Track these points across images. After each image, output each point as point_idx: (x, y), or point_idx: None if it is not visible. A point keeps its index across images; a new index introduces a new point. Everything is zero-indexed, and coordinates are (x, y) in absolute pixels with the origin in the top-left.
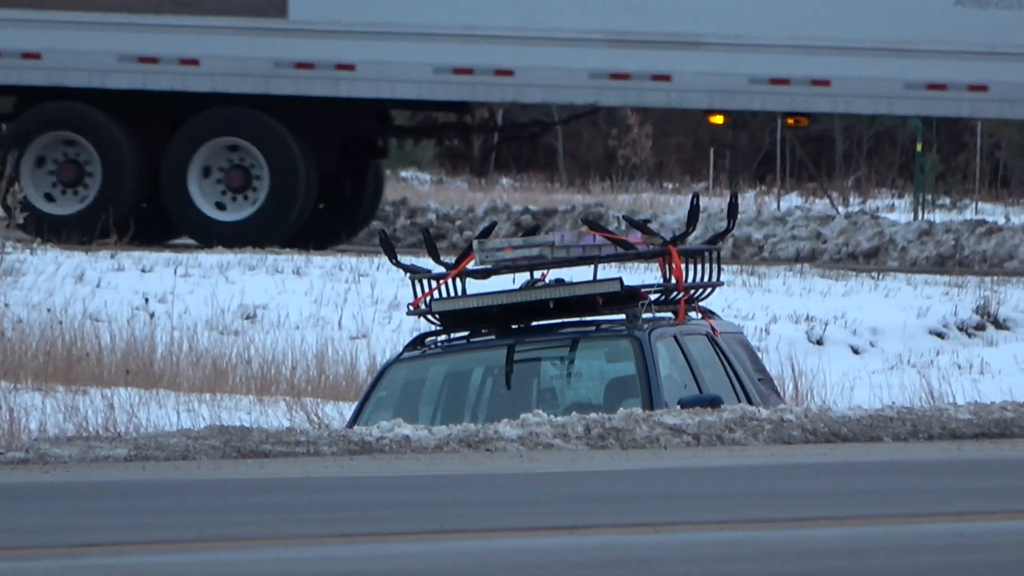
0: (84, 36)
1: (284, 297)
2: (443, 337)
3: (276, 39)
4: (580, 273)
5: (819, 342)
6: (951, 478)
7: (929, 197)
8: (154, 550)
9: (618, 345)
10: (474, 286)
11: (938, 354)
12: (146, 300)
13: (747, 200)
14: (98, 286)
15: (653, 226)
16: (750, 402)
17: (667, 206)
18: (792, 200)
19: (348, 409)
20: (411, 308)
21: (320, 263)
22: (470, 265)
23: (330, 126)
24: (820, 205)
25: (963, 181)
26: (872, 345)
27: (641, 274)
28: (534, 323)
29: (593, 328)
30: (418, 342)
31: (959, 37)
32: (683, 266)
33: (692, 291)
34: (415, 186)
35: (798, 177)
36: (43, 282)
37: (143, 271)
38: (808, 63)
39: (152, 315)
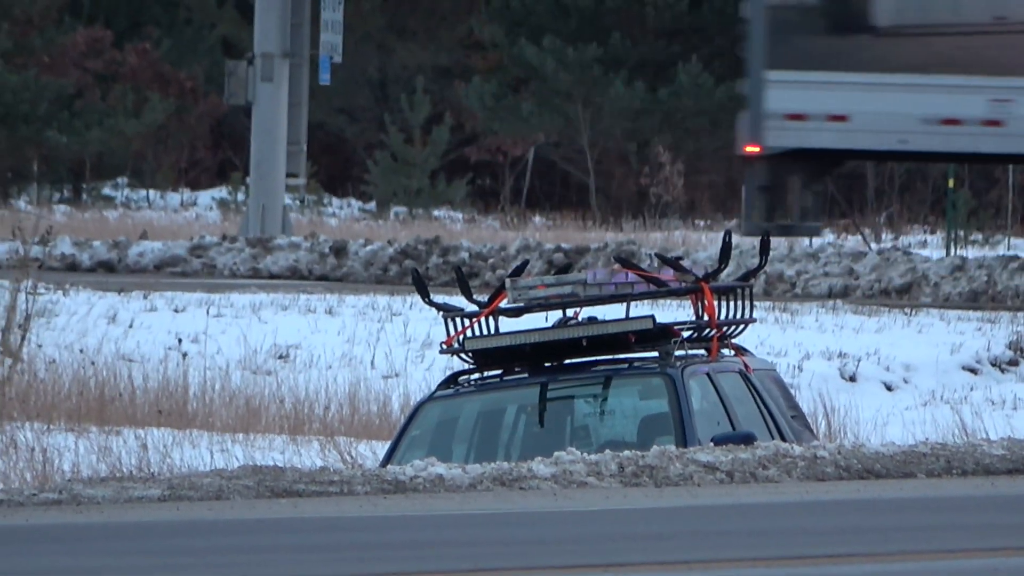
0: (889, 98)
1: (317, 337)
2: (476, 375)
3: None
4: (613, 311)
5: (852, 379)
6: (985, 514)
7: (961, 233)
8: None
9: (651, 383)
10: (507, 324)
11: (971, 390)
12: (179, 340)
13: (779, 241)
14: (131, 326)
15: (685, 263)
16: (783, 439)
17: (699, 243)
18: (825, 236)
19: (381, 448)
20: (444, 347)
21: (352, 302)
22: (503, 303)
23: None
24: (852, 241)
25: (995, 217)
26: (905, 381)
27: (674, 311)
28: (567, 361)
29: (626, 365)
30: (451, 380)
31: None
32: (715, 303)
33: (724, 328)
34: (447, 224)
35: (830, 214)
36: (76, 323)
37: (176, 311)
38: None
39: (185, 355)
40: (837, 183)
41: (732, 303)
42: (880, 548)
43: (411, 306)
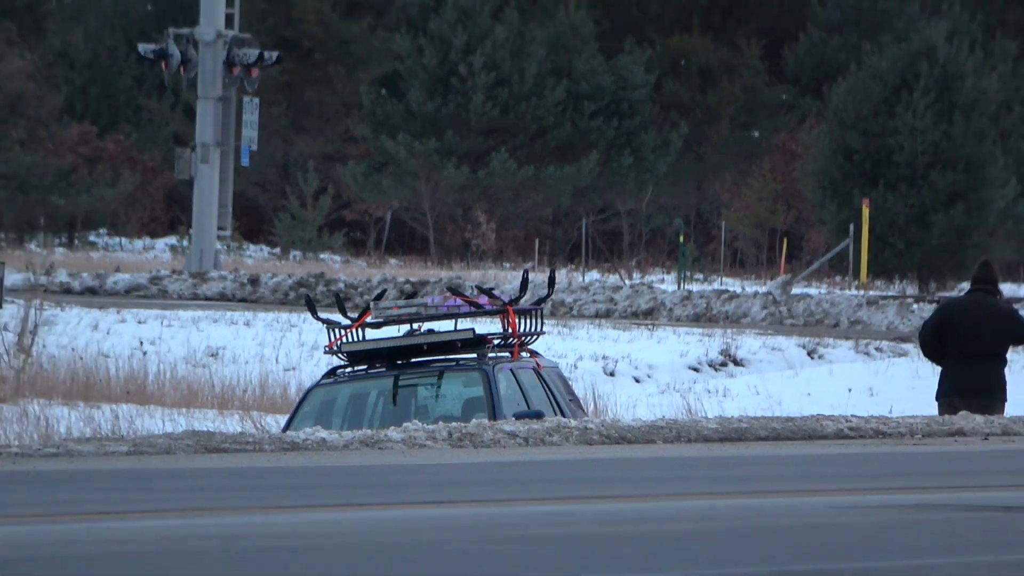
0: None
1: (238, 341)
2: (349, 369)
3: None
4: (445, 325)
5: (612, 374)
6: (704, 470)
7: (688, 273)
8: (147, 517)
9: (471, 375)
10: (371, 334)
11: (694, 383)
12: (141, 343)
13: (561, 275)
14: (107, 333)
15: (497, 293)
16: (563, 415)
17: (506, 279)
18: (593, 275)
19: (282, 420)
20: (327, 349)
21: (263, 317)
22: (368, 319)
23: None
24: (612, 279)
25: (712, 262)
26: (648, 376)
27: (488, 326)
28: (413, 360)
29: (454, 363)
30: (331, 373)
31: None
32: (517, 321)
33: (523, 338)
34: (330, 263)
35: (597, 259)
36: (69, 330)
37: (139, 322)
38: None
39: (145, 353)
40: (603, 238)
41: (528, 320)
42: (631, 492)
43: (304, 320)
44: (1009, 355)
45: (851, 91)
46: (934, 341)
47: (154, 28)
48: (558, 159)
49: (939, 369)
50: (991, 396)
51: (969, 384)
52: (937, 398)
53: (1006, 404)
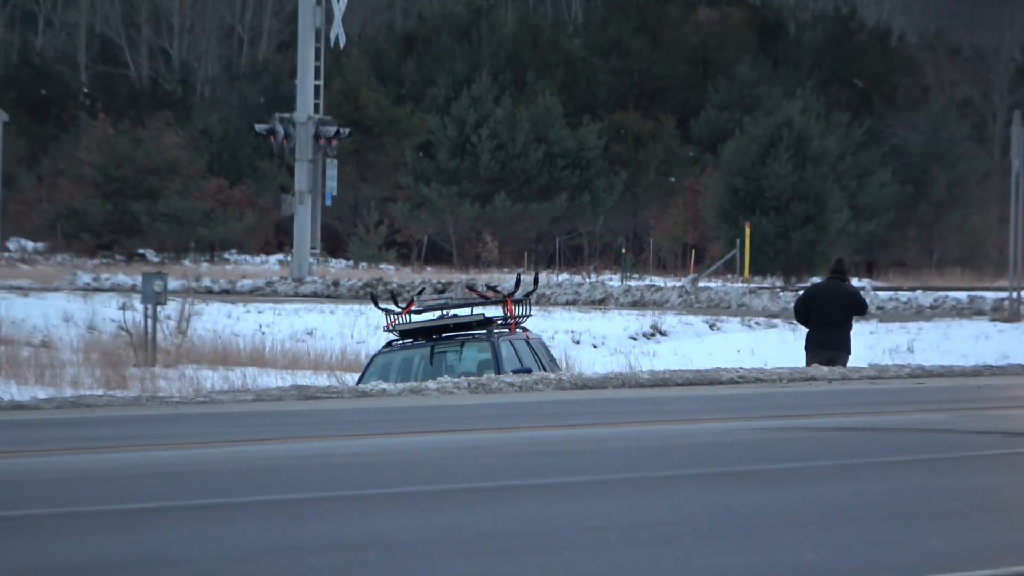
0: None
1: (326, 325)
2: (400, 342)
3: None
4: (465, 311)
5: (577, 343)
6: (639, 405)
7: (628, 274)
8: (266, 443)
9: (483, 345)
10: (415, 318)
11: (633, 347)
12: (260, 326)
13: (543, 276)
14: (237, 320)
15: (499, 288)
16: (546, 371)
17: (506, 279)
18: (564, 276)
19: (356, 376)
20: (385, 328)
21: (343, 308)
22: (413, 308)
23: None
24: (577, 278)
25: (644, 266)
26: (602, 344)
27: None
28: (443, 335)
29: (471, 337)
30: (388, 344)
31: None
32: (513, 307)
33: (517, 319)
34: (386, 271)
35: (567, 265)
36: (210, 318)
37: (259, 312)
38: None
39: (263, 333)
40: (570, 250)
41: (521, 307)
42: (590, 422)
43: (370, 309)
44: (854, 323)
45: (736, 149)
46: (803, 312)
47: (265, 113)
48: (539, 198)
49: (803, 332)
50: (840, 350)
51: (826, 342)
52: (806, 350)
53: (849, 356)
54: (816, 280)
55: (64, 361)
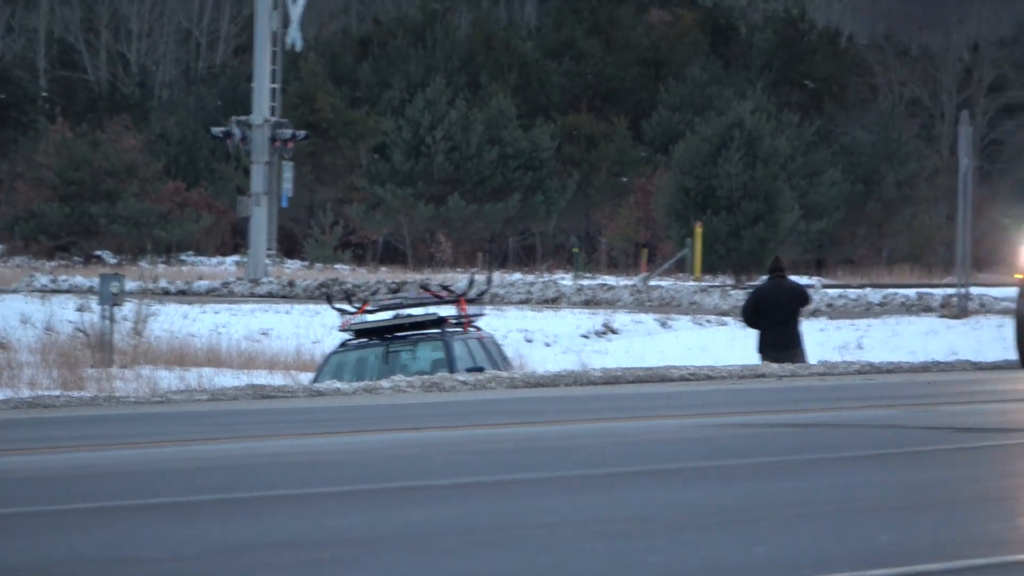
0: None
1: (281, 325)
2: (355, 341)
3: None
4: (419, 311)
5: (530, 341)
6: (592, 403)
7: (581, 273)
8: (221, 442)
9: (436, 344)
10: (369, 317)
11: (585, 346)
12: (216, 326)
13: (497, 276)
14: (193, 320)
15: (453, 288)
16: (498, 369)
17: (459, 279)
18: (517, 275)
19: (311, 376)
20: (340, 328)
21: (299, 308)
22: (368, 307)
23: None
24: (530, 277)
25: (596, 265)
26: (555, 342)
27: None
28: (397, 334)
29: (425, 336)
30: (343, 344)
31: None
32: (466, 307)
33: (470, 318)
34: (341, 271)
35: (520, 264)
36: (166, 319)
37: (215, 313)
38: None
39: (219, 333)
40: (523, 250)
41: (474, 306)
42: (543, 419)
43: (325, 310)
44: (803, 318)
45: (688, 149)
46: (754, 316)
47: (223, 116)
48: (493, 199)
49: (753, 333)
50: (792, 347)
51: (776, 341)
52: (759, 352)
53: (804, 351)
54: (760, 281)
55: (21, 362)
